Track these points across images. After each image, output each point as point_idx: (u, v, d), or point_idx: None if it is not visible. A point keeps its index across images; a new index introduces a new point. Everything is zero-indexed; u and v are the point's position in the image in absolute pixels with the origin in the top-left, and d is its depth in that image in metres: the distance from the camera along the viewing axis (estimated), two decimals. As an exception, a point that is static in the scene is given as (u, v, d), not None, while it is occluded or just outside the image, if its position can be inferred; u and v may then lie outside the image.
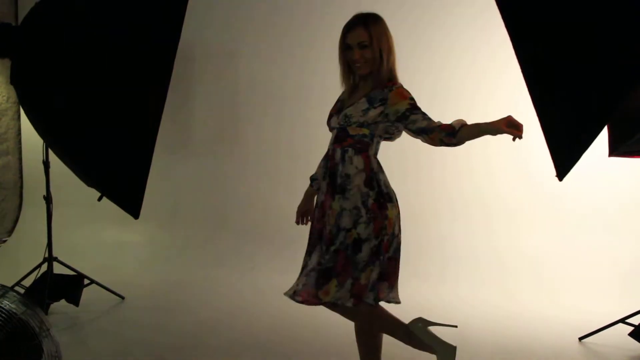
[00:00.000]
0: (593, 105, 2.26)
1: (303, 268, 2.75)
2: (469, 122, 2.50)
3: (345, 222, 2.62)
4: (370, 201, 2.60)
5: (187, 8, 2.71)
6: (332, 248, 2.63)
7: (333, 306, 2.68)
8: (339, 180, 2.66)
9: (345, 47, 2.67)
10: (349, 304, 2.62)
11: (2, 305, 2.04)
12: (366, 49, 2.62)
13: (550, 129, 2.41)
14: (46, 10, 2.79)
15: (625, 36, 2.14)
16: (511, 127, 2.32)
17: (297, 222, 3.11)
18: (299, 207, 3.08)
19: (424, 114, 2.59)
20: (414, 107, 2.60)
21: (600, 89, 2.24)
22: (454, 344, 2.72)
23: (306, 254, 2.79)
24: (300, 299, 2.66)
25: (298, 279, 2.73)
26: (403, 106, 2.60)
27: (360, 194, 2.61)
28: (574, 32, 2.26)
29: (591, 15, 2.21)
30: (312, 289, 2.64)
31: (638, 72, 2.11)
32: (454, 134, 2.49)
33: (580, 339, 3.80)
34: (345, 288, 2.60)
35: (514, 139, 2.34)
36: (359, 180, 2.62)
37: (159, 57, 2.71)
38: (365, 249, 2.60)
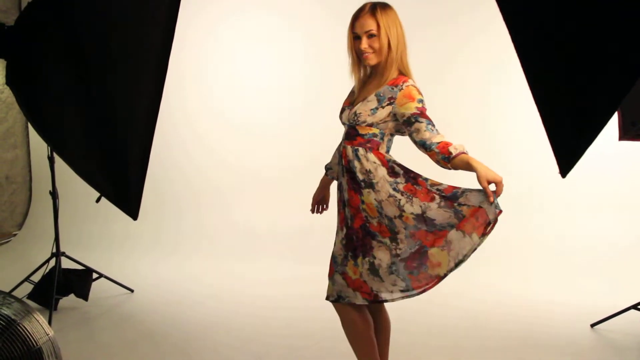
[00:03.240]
0: (596, 100, 2.19)
1: (377, 268, 2.55)
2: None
3: (391, 210, 2.52)
4: (401, 186, 2.52)
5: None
6: (401, 235, 2.51)
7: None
8: (360, 177, 2.56)
9: (353, 37, 2.59)
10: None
11: (0, 312, 2.02)
12: (374, 38, 2.53)
13: (552, 125, 2.34)
14: (40, 9, 2.75)
15: (628, 29, 2.07)
16: (492, 187, 2.34)
17: (312, 211, 3.06)
18: (315, 196, 3.03)
19: (429, 123, 2.48)
20: (420, 113, 2.50)
21: (603, 84, 2.17)
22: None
23: (358, 255, 2.59)
24: (421, 289, 2.49)
25: (381, 282, 2.54)
26: (409, 110, 2.50)
27: (388, 183, 2.52)
28: (575, 25, 2.19)
29: (593, 8, 2.14)
30: (419, 273, 2.49)
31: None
32: (449, 160, 2.41)
33: (592, 325, 3.76)
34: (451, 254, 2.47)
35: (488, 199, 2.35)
36: (382, 172, 2.54)
37: (154, 57, 2.67)
38: (435, 213, 2.47)
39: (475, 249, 2.42)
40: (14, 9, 6.00)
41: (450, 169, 2.44)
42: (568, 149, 2.34)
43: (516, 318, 3.92)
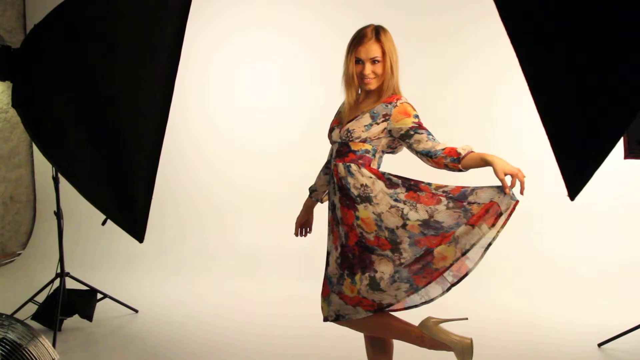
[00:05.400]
0: (604, 123, 2.19)
1: (377, 282, 2.50)
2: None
3: (393, 221, 2.48)
4: (402, 196, 2.49)
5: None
6: (404, 245, 2.47)
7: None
8: (355, 192, 2.54)
9: (355, 61, 2.58)
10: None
11: (6, 336, 2.02)
12: (378, 64, 2.55)
13: (560, 147, 2.34)
14: (46, 32, 2.77)
15: (635, 53, 2.07)
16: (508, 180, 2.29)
17: (296, 234, 3.06)
18: (298, 219, 3.04)
19: (429, 133, 2.51)
20: (418, 126, 2.52)
21: (611, 107, 2.16)
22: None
23: (356, 272, 2.55)
24: (426, 282, 2.44)
25: (382, 293, 2.49)
26: (407, 124, 2.52)
27: (387, 195, 2.50)
28: (583, 48, 2.19)
29: (601, 32, 2.14)
30: (423, 271, 2.43)
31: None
32: (458, 160, 2.41)
33: (600, 345, 3.73)
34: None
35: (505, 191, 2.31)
36: (379, 185, 2.53)
37: (160, 79, 2.68)
38: (443, 215, 2.43)
39: (484, 240, 2.35)
40: (19, 28, 6.04)
41: (460, 170, 2.42)
42: (576, 173, 2.33)
43: (521, 337, 3.88)
